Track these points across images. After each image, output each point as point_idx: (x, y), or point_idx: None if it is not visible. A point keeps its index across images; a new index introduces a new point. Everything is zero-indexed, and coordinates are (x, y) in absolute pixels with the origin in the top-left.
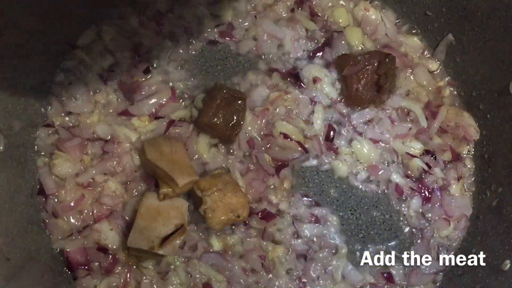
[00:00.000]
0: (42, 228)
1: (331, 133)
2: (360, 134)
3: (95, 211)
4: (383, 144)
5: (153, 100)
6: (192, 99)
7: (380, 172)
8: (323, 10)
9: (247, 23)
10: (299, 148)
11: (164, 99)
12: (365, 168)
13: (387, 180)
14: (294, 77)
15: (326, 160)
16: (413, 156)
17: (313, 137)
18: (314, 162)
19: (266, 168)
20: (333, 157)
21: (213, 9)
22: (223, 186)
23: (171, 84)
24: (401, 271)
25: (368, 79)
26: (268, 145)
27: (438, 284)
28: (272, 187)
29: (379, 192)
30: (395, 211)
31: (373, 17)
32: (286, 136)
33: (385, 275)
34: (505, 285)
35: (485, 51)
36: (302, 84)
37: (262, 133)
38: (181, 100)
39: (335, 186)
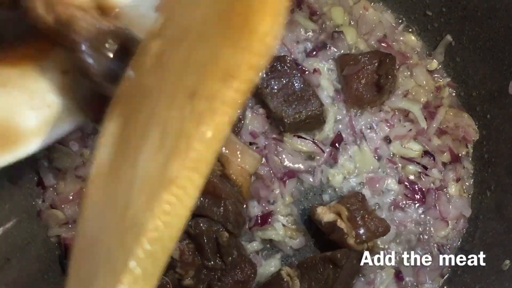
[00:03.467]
0: (36, 218)
1: (338, 140)
2: (362, 139)
3: None
4: (384, 148)
5: None
6: None
7: (377, 185)
8: (320, 8)
9: None
10: (315, 147)
11: None
12: (365, 180)
13: (384, 189)
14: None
15: (322, 169)
16: (410, 161)
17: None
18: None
19: (275, 170)
20: (331, 165)
21: None
22: None
23: None
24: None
25: (368, 79)
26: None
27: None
28: (277, 193)
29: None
30: (392, 217)
31: (371, 16)
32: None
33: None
34: (505, 285)
35: (485, 51)
36: (303, 71)
37: (264, 130)
38: None
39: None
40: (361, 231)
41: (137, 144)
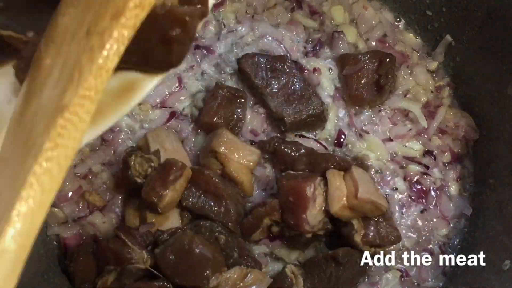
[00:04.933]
0: None
1: (341, 138)
2: (364, 137)
3: (90, 203)
4: (386, 148)
5: (160, 89)
6: (193, 96)
7: (384, 184)
8: (320, 7)
9: (246, 25)
10: (318, 145)
11: (171, 89)
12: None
13: (393, 188)
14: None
15: None
16: (411, 160)
17: (323, 140)
18: None
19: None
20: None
21: (217, 12)
22: None
23: (178, 74)
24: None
25: (368, 79)
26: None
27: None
28: None
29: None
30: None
31: (371, 16)
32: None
33: None
34: (505, 285)
35: (485, 51)
36: (303, 70)
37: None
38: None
39: None
40: (370, 232)
41: (45, 78)
